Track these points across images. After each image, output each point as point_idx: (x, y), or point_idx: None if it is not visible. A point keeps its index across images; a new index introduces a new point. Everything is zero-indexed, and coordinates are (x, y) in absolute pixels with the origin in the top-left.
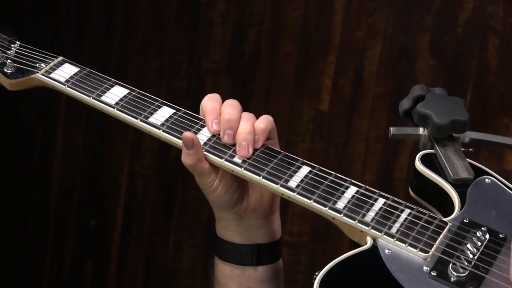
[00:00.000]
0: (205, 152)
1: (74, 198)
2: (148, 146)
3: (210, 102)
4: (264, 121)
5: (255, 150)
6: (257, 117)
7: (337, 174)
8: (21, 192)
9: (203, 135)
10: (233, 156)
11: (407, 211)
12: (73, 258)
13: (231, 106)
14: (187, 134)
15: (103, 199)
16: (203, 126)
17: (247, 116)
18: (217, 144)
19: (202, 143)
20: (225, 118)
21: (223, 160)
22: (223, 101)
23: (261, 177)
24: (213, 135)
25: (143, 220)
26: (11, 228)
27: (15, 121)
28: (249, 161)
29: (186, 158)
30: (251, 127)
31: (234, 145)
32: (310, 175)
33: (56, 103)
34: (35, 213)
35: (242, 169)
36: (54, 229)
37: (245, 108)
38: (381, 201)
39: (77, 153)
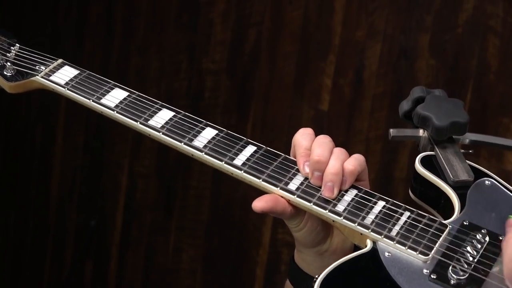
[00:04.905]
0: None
1: (74, 197)
2: (148, 146)
3: (303, 141)
4: (353, 162)
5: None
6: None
7: None
8: (21, 192)
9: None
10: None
11: (407, 213)
12: (73, 258)
13: (321, 145)
14: (258, 205)
15: (103, 199)
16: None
17: (337, 153)
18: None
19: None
20: (314, 160)
21: (311, 204)
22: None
23: (260, 180)
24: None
25: (143, 220)
26: (11, 228)
27: (15, 121)
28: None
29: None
30: (339, 167)
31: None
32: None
33: (56, 103)
34: (35, 213)
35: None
36: (54, 229)
37: (245, 108)
38: (381, 203)
39: (77, 153)
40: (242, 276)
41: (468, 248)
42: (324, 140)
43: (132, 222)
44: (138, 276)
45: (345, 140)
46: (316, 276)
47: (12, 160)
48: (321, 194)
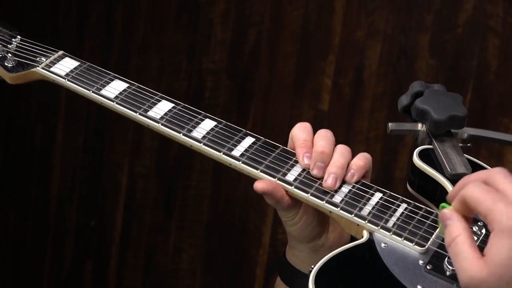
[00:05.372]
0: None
1: (74, 197)
2: (148, 146)
3: (301, 134)
4: (363, 159)
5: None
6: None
7: None
8: (21, 191)
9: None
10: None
11: (404, 205)
12: (73, 258)
13: (324, 138)
14: (259, 185)
15: (103, 199)
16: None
17: (341, 150)
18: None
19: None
20: (318, 151)
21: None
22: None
23: (259, 171)
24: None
25: (143, 220)
26: (11, 228)
27: (15, 120)
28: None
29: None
30: (344, 162)
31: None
32: (308, 169)
33: (56, 103)
34: (35, 213)
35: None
36: (54, 228)
37: (245, 108)
38: (378, 195)
39: (77, 153)
40: (242, 276)
41: None
42: (327, 134)
43: (132, 222)
44: (138, 276)
45: (345, 140)
46: (312, 266)
47: (12, 159)
48: (321, 185)
